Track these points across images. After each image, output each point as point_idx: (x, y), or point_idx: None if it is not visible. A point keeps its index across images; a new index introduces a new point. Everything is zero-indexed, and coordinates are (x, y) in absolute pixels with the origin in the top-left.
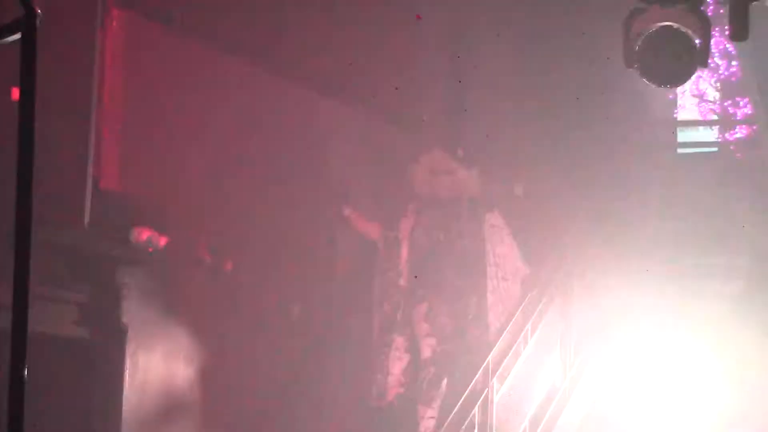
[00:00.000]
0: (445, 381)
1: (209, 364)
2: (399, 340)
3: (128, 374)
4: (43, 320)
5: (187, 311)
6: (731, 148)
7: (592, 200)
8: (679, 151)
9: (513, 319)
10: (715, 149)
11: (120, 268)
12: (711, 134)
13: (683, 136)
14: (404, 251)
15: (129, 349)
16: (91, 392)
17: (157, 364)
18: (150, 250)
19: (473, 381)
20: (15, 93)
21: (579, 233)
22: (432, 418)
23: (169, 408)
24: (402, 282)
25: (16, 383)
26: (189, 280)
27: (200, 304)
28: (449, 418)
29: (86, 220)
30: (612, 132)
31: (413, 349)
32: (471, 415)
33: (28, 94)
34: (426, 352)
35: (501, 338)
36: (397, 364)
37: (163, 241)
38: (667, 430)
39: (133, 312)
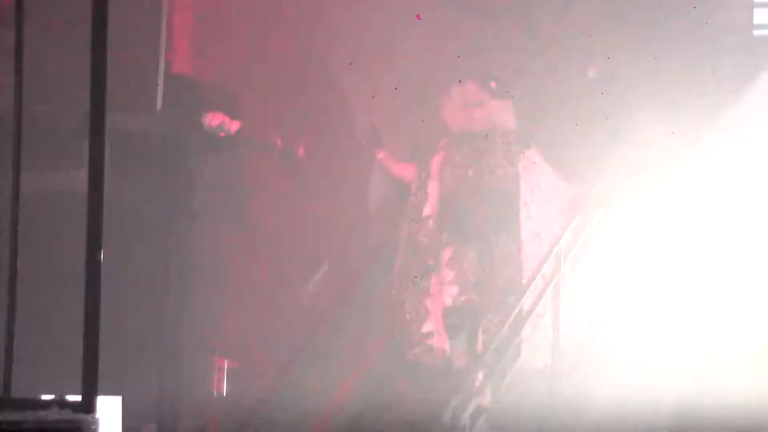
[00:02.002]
0: (467, 331)
1: (277, 247)
2: (425, 287)
3: (198, 254)
4: (114, 203)
5: (258, 196)
6: None
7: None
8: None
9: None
10: None
11: (192, 153)
12: None
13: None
14: (434, 190)
15: (200, 234)
16: (165, 277)
17: (226, 248)
18: (222, 135)
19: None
20: None
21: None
22: (462, 365)
23: (237, 291)
24: (431, 224)
25: (93, 267)
26: (261, 165)
27: (272, 189)
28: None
29: (158, 104)
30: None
31: (438, 296)
32: (541, 302)
33: None
34: (448, 301)
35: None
36: (422, 312)
37: (235, 126)
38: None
39: (204, 197)
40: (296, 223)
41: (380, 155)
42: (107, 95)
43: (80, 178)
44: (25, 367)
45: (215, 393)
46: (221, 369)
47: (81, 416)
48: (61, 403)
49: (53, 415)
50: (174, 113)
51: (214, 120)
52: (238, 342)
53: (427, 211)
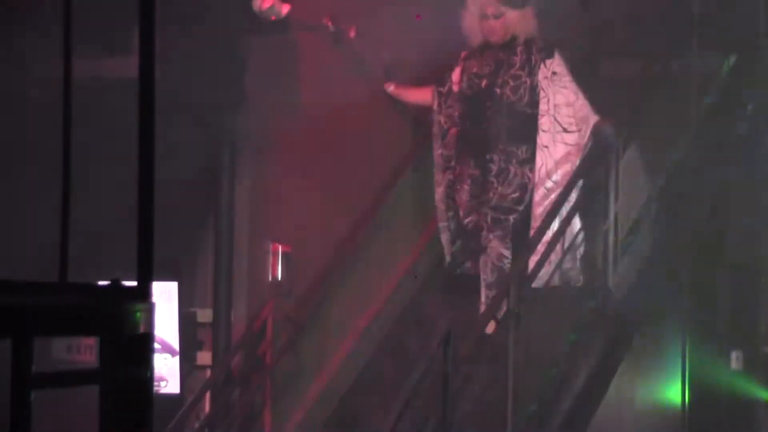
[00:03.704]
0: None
1: (328, 129)
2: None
3: (251, 144)
4: (164, 89)
5: (310, 79)
6: None
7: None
8: None
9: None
10: None
11: (243, 37)
12: None
13: None
14: (456, 108)
15: (252, 121)
16: (219, 161)
17: (278, 132)
18: (273, 18)
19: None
20: None
21: None
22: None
23: (290, 173)
24: (453, 143)
25: (146, 152)
26: (312, 48)
27: (324, 72)
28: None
29: None
30: None
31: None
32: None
33: None
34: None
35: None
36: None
37: (285, 9)
38: None
39: (255, 80)
40: (347, 105)
41: (390, 88)
42: None
43: (131, 63)
44: (81, 252)
45: (270, 277)
46: (275, 254)
47: (136, 302)
48: (116, 289)
49: (108, 300)
50: None
51: (264, 3)
52: (293, 227)
53: (450, 130)
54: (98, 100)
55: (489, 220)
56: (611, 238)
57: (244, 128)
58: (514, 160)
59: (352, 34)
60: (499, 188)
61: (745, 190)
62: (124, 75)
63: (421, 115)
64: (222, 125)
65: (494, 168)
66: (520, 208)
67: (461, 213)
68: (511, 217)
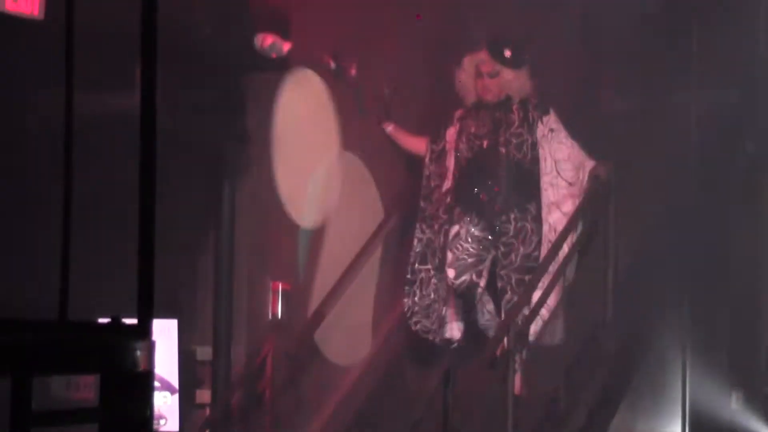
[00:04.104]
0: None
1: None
2: (430, 268)
3: (251, 181)
4: (165, 126)
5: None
6: None
7: None
8: None
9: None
10: None
11: (244, 74)
12: None
13: None
14: (450, 163)
15: (251, 155)
16: (217, 193)
17: (278, 173)
18: (274, 56)
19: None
20: None
21: None
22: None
23: (282, 222)
24: (449, 200)
25: (147, 189)
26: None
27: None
28: None
29: (209, 27)
30: None
31: (438, 278)
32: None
33: None
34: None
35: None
36: (420, 295)
37: (286, 47)
38: None
39: (256, 118)
40: (347, 141)
41: (389, 128)
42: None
43: (133, 100)
44: (80, 290)
45: (270, 315)
46: (275, 291)
47: (137, 340)
48: (117, 327)
49: (109, 338)
50: (226, 35)
51: (265, 41)
52: (292, 265)
53: (445, 185)
54: (99, 135)
55: (513, 282)
56: (609, 280)
57: (244, 165)
58: (529, 218)
59: (353, 71)
60: (521, 248)
61: (747, 228)
62: (125, 111)
63: (416, 158)
64: (223, 162)
65: (511, 228)
66: (536, 265)
67: (452, 272)
68: (526, 277)
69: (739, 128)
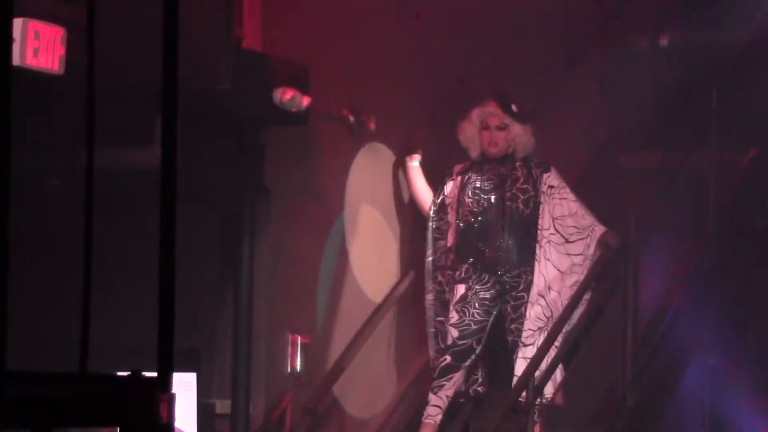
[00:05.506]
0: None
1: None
2: (443, 321)
3: (270, 234)
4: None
5: (330, 171)
6: None
7: None
8: None
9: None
10: None
11: (263, 129)
12: None
13: None
14: (452, 218)
15: (271, 211)
16: (236, 246)
17: (297, 226)
18: (293, 110)
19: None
20: None
21: None
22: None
23: (306, 278)
24: (452, 257)
25: (167, 243)
26: (332, 139)
27: (344, 164)
28: None
29: (229, 81)
30: None
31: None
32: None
33: None
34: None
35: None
36: (437, 348)
37: (306, 101)
38: None
39: (276, 173)
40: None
41: (413, 162)
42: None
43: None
44: (101, 343)
45: (289, 368)
46: (294, 344)
47: (157, 393)
48: (137, 380)
49: (129, 391)
50: (245, 89)
51: (285, 95)
52: (311, 317)
53: (449, 241)
54: (120, 190)
55: (524, 336)
56: (629, 336)
57: (263, 218)
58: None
59: (372, 125)
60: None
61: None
62: (146, 166)
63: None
64: (242, 215)
65: (521, 282)
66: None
67: (455, 332)
68: (536, 331)
69: (757, 186)
